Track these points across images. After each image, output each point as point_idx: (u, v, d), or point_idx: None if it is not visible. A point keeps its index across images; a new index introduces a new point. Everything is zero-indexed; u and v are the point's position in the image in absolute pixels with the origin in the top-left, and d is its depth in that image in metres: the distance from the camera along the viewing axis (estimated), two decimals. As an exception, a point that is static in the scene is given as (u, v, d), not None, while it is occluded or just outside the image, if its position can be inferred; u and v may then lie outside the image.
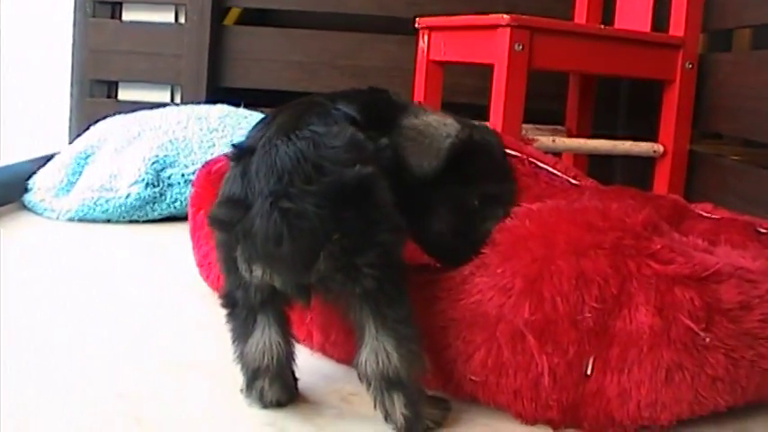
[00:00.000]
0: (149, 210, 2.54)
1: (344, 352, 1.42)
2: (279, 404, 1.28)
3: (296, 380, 1.32)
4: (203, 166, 1.87)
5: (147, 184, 2.53)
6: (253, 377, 1.28)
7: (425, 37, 2.66)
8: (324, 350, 1.48)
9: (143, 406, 1.27)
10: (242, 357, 1.27)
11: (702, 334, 1.19)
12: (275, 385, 1.27)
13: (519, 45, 2.21)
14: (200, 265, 1.83)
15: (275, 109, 1.35)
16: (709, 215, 1.89)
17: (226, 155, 1.32)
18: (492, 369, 1.26)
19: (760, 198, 2.21)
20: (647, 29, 2.56)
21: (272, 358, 1.25)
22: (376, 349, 1.17)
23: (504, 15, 2.21)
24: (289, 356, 1.28)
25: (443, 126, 1.39)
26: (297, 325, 1.40)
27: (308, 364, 1.40)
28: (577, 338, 1.21)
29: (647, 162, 2.58)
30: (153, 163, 2.56)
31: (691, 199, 2.42)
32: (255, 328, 1.26)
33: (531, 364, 1.23)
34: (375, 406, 1.20)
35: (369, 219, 1.16)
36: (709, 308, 1.20)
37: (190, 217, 1.86)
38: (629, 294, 1.21)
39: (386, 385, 1.17)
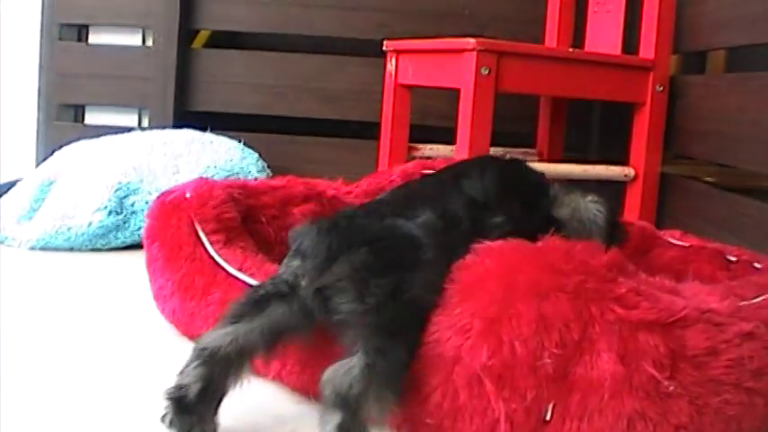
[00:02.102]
0: (113, 238, 2.49)
1: (300, 381, 1.40)
2: (184, 395, 1.20)
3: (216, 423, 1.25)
4: (158, 198, 1.82)
5: (111, 212, 2.47)
6: (194, 357, 1.23)
7: (393, 60, 2.62)
8: (280, 377, 1.44)
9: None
10: (205, 337, 1.25)
11: (666, 382, 1.14)
12: (199, 370, 1.21)
13: (485, 69, 2.17)
14: (156, 298, 1.78)
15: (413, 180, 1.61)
16: (677, 242, 1.86)
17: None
18: (448, 412, 1.21)
19: (731, 223, 2.18)
20: (618, 51, 2.53)
21: (223, 350, 1.22)
22: (346, 364, 1.15)
23: (470, 39, 2.18)
24: (228, 371, 1.23)
25: (593, 207, 1.63)
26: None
27: (260, 403, 1.36)
28: (536, 384, 1.16)
29: (620, 185, 2.54)
30: (116, 190, 2.50)
31: (663, 223, 2.40)
32: (245, 319, 1.26)
33: (488, 410, 1.18)
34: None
35: (400, 253, 1.25)
36: (674, 355, 1.15)
37: (145, 249, 1.81)
38: (590, 340, 1.16)
39: (332, 400, 1.13)
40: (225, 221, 1.72)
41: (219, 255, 1.63)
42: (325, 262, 1.22)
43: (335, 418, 1.11)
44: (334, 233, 1.25)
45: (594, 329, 1.16)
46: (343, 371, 1.14)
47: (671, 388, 1.15)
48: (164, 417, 1.20)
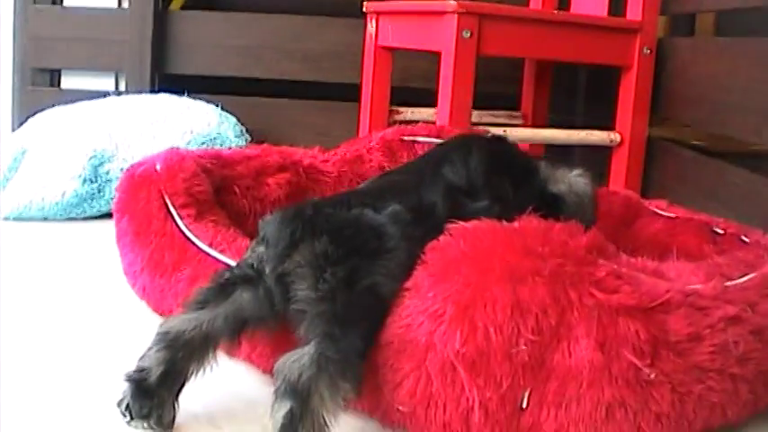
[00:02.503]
0: (87, 207, 2.43)
1: (270, 364, 1.31)
2: (145, 378, 1.17)
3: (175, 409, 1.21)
4: (127, 170, 1.77)
5: (85, 181, 2.42)
6: (157, 341, 1.19)
7: (373, 21, 2.56)
8: (250, 360, 1.41)
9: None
10: (169, 321, 1.22)
11: (647, 370, 1.10)
12: (162, 354, 1.18)
13: (467, 32, 2.11)
14: (126, 273, 1.73)
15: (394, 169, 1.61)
16: (663, 213, 1.81)
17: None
18: (420, 400, 1.16)
19: (719, 192, 2.13)
20: (605, 13, 2.46)
21: (187, 335, 1.19)
22: (298, 352, 1.11)
23: (451, 1, 2.10)
24: (191, 356, 1.20)
25: (581, 179, 1.65)
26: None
27: (231, 387, 1.34)
28: (512, 372, 1.11)
29: (607, 150, 2.49)
30: (91, 158, 2.44)
31: (649, 190, 2.35)
32: (210, 305, 1.23)
33: (462, 397, 1.13)
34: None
35: (362, 241, 1.22)
36: (656, 341, 1.11)
37: (115, 223, 1.76)
38: (568, 326, 1.11)
39: (282, 388, 1.09)
40: (196, 195, 1.67)
41: (190, 229, 1.59)
42: (286, 249, 1.20)
43: (285, 406, 1.07)
44: (298, 220, 1.22)
45: (573, 315, 1.11)
46: (294, 359, 1.10)
47: (652, 375, 1.11)
48: (120, 401, 1.17)
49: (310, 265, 1.18)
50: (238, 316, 1.23)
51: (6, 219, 2.37)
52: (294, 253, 1.19)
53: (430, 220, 1.34)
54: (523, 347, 1.11)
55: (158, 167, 1.70)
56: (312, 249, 1.19)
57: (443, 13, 2.14)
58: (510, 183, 1.51)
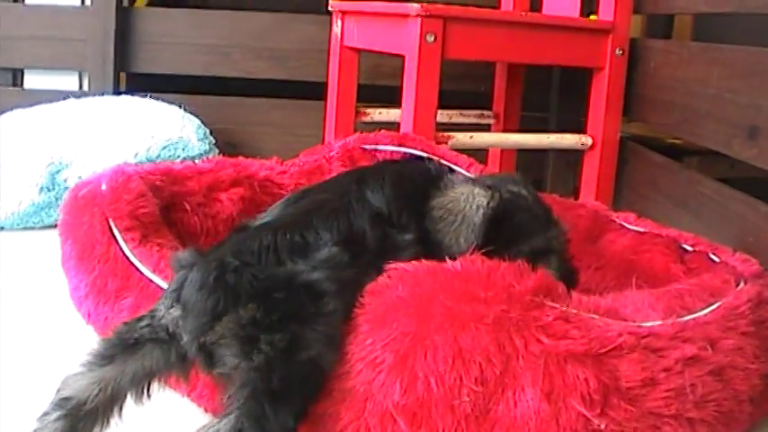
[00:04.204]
0: (45, 216, 2.37)
1: (212, 405, 1.30)
2: None
3: None
4: (72, 190, 1.70)
5: (42, 189, 2.36)
6: (56, 406, 1.10)
7: (339, 21, 2.49)
8: (191, 398, 1.36)
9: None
10: (70, 382, 1.12)
11: (597, 420, 1.04)
12: (60, 424, 1.09)
13: (431, 36, 2.04)
14: (71, 297, 1.66)
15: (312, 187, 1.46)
16: (632, 227, 1.76)
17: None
18: (360, 452, 1.10)
19: (689, 201, 2.07)
20: (577, 14, 2.39)
21: (90, 403, 1.10)
22: (213, 425, 1.04)
23: (414, 4, 2.04)
24: (93, 425, 1.11)
25: (472, 198, 1.39)
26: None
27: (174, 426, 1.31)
28: (454, 423, 1.06)
29: (580, 153, 2.43)
30: (48, 165, 2.38)
31: (620, 194, 2.29)
32: (116, 361, 1.13)
33: (404, 450, 1.07)
34: None
35: (298, 305, 1.11)
36: (606, 389, 1.05)
37: (60, 246, 1.69)
38: (513, 375, 1.05)
39: None
40: (140, 217, 1.60)
41: (134, 254, 1.52)
42: (209, 323, 1.09)
43: None
44: (220, 291, 1.10)
45: (518, 363, 1.06)
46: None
47: (602, 426, 1.05)
48: None
49: (236, 335, 1.08)
50: (148, 374, 1.15)
51: (-39, 229, 2.31)
52: (217, 325, 1.09)
53: (364, 255, 1.25)
54: (466, 399, 1.05)
55: (104, 188, 1.63)
56: (237, 320, 1.09)
57: (407, 15, 2.07)
58: (418, 215, 1.38)
